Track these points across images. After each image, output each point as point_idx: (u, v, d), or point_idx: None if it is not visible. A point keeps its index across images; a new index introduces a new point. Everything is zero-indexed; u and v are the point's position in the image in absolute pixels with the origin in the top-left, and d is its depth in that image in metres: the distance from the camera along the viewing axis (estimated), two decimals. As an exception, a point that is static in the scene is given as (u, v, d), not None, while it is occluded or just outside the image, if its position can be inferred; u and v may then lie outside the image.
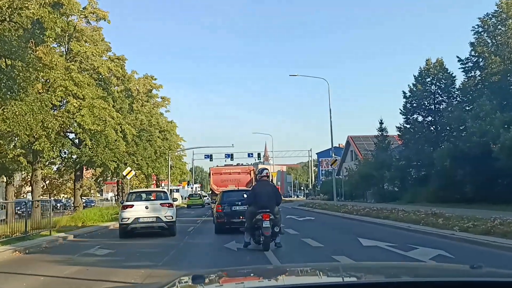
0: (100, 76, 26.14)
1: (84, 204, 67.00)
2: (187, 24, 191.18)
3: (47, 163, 24.52)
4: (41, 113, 17.16)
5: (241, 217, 13.77)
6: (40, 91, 19.09)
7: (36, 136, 18.43)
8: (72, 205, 31.86)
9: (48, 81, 20.07)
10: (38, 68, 15.75)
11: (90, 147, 25.66)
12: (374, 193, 39.47)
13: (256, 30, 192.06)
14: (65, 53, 24.43)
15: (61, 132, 23.96)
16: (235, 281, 2.54)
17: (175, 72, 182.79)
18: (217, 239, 13.98)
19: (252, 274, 2.85)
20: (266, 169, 11.05)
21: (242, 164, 58.76)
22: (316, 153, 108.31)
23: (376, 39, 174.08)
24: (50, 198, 35.70)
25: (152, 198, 16.93)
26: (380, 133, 40.88)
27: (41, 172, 23.93)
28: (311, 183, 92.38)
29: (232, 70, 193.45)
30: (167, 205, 15.60)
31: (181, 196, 60.59)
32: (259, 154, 70.79)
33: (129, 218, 14.94)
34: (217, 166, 35.11)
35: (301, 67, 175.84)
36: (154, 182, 60.34)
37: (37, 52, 16.25)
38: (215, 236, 15.02)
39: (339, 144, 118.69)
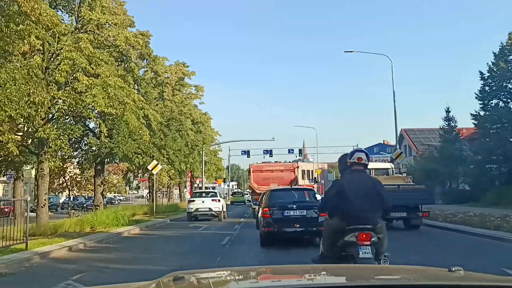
0: (119, 50, 21.90)
1: (117, 202, 64.49)
2: (217, 20, 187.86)
3: (57, 154, 20.47)
4: (27, 84, 12.93)
5: (296, 225, 11.28)
6: (27, 55, 14.71)
7: (23, 114, 14.17)
8: (92, 204, 28.00)
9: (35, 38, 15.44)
10: (18, 20, 11.47)
11: (106, 135, 21.56)
12: (441, 193, 33.58)
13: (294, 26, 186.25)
14: (75, 21, 20.30)
15: (71, 117, 19.95)
16: (217, 283, 2.44)
17: (210, 68, 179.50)
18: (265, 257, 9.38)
19: (236, 276, 2.76)
20: (362, 151, 5.98)
21: (279, 161, 55.84)
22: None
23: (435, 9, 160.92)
24: (69, 195, 32.09)
25: (206, 196, 24.43)
26: (447, 123, 34.94)
27: (48, 165, 19.86)
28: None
29: (272, 65, 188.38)
30: (216, 200, 23.52)
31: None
32: (300, 150, 65.47)
33: (192, 208, 23.07)
34: (257, 163, 31.28)
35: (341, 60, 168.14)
36: (189, 180, 56.72)
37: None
38: (261, 251, 10.44)
39: (383, 141, 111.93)
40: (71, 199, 33.38)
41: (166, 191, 46.41)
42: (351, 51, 27.74)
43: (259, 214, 12.99)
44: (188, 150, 39.06)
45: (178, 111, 32.86)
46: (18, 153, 20.21)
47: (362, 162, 5.75)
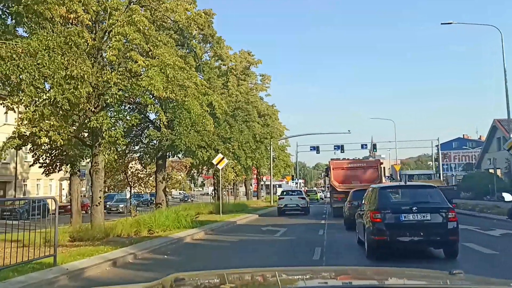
0: (179, 28, 19.27)
1: (184, 199, 62.77)
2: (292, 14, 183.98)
3: (111, 147, 18.19)
4: (64, 54, 10.39)
5: (417, 233, 8.78)
6: (63, 19, 12.08)
7: (68, 98, 11.68)
8: (154, 201, 25.85)
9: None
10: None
11: (167, 125, 19.06)
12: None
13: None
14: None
15: (126, 103, 17.68)
16: (216, 285, 2.49)
17: (275, 62, 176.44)
18: None
19: (235, 277, 2.77)
20: None
21: (346, 158, 53.53)
22: (436, 146, 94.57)
23: None
24: (131, 193, 30.31)
25: (293, 194, 28.38)
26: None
27: (103, 159, 17.61)
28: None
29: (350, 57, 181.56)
30: (301, 198, 27.63)
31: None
32: (374, 146, 60.45)
33: (282, 204, 27.18)
34: (337, 159, 30.86)
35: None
36: (255, 176, 54.24)
37: None
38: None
39: (463, 135, 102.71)
40: (131, 197, 31.65)
41: (231, 189, 44.07)
42: (450, 23, 23.19)
43: (366, 220, 9.62)
44: (255, 145, 36.24)
45: (244, 99, 29.96)
46: (69, 145, 18.25)
47: None
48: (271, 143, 37.85)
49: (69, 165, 22.00)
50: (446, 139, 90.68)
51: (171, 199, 67.77)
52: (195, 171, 38.34)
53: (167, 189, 30.82)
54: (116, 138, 16.31)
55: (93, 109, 16.32)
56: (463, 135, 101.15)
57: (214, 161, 20.86)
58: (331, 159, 30.27)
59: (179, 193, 74.68)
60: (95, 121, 15.54)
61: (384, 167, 34.97)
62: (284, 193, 28.65)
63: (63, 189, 47.46)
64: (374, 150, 60.82)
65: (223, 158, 20.81)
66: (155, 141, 23.67)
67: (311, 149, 63.40)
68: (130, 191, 30.15)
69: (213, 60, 27.08)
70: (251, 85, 39.22)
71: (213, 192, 39.67)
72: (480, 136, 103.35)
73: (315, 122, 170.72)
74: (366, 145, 62.17)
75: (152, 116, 24.44)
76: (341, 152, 60.27)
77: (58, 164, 21.59)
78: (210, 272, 3.41)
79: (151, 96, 17.40)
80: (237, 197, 41.44)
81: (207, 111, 19.26)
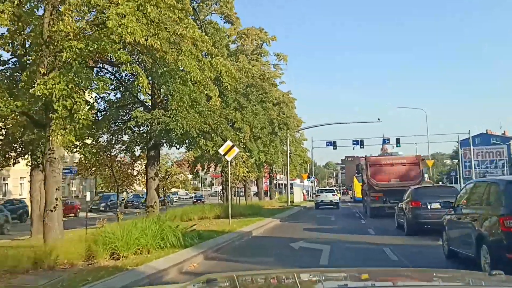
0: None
1: (197, 199, 56.27)
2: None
3: (69, 125, 12.51)
4: None
5: None
6: None
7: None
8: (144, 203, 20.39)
9: None
10: None
11: (159, 103, 13.58)
12: None
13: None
14: None
15: (89, 61, 12.16)
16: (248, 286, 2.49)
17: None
18: None
19: (267, 279, 2.75)
20: None
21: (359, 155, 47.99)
22: (457, 142, 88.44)
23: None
24: (117, 192, 24.80)
25: (327, 192, 35.90)
26: None
27: (58, 141, 11.96)
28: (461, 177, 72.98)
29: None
30: (334, 195, 34.47)
31: (305, 193, 48.68)
32: (397, 140, 54.33)
33: (318, 200, 33.95)
34: (371, 155, 28.75)
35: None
36: (267, 174, 48.88)
37: None
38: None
39: (486, 131, 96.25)
40: (118, 198, 26.23)
41: (242, 188, 38.89)
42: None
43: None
44: (269, 137, 30.77)
45: (259, 75, 24.34)
46: (18, 126, 12.95)
47: None
48: (288, 134, 31.98)
49: (29, 156, 16.70)
50: (467, 136, 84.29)
51: (179, 200, 62.27)
52: (200, 167, 32.88)
53: (166, 189, 25.50)
54: (74, 111, 10.83)
55: (44, 72, 11.00)
56: (486, 130, 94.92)
57: (221, 150, 15.35)
58: (365, 156, 27.92)
59: (186, 192, 68.97)
60: (42, 87, 10.25)
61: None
62: (320, 191, 37.26)
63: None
64: (398, 145, 54.83)
65: (232, 146, 15.26)
66: (146, 127, 18.35)
67: (327, 145, 57.56)
68: (117, 191, 24.73)
69: (216, 24, 21.49)
70: (263, 68, 33.57)
71: (221, 192, 34.19)
72: (505, 131, 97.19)
73: (334, 115, 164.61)
74: (388, 139, 56.13)
75: (142, 97, 19.12)
76: (360, 147, 54.46)
77: (11, 154, 16.25)
78: (243, 273, 3.44)
79: (126, 51, 11.89)
80: (248, 197, 35.78)
81: (210, 78, 13.68)
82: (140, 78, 11.74)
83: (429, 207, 13.16)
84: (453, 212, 8.65)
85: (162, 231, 9.57)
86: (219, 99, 15.42)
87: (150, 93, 16.39)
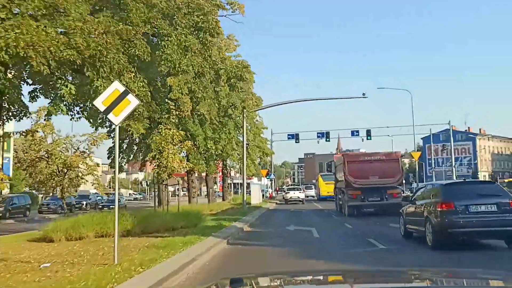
0: None
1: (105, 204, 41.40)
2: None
3: None
4: None
5: None
6: None
7: None
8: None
9: None
10: None
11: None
12: None
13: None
14: None
15: None
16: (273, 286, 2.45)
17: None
18: None
19: (292, 279, 2.72)
20: None
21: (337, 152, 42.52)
22: (421, 138, 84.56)
23: None
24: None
25: (295, 189, 42.34)
26: None
27: None
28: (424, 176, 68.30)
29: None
30: (301, 192, 40.57)
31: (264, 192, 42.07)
32: (368, 132, 48.24)
33: (288, 197, 39.43)
34: (346, 151, 26.33)
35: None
36: (220, 173, 41.65)
37: None
38: None
39: (452, 127, 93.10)
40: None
41: (185, 187, 31.16)
42: None
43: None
44: (220, 118, 23.43)
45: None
46: None
47: None
48: (244, 114, 24.02)
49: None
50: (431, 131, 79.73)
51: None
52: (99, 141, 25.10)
53: (63, 187, 17.71)
54: None
55: None
56: (452, 126, 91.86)
57: (100, 101, 7.46)
58: (342, 152, 26.42)
59: (130, 193, 59.88)
60: None
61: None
62: (289, 189, 42.80)
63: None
64: (369, 138, 48.72)
65: (125, 93, 7.45)
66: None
67: (289, 138, 51.15)
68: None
69: None
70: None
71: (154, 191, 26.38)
72: (469, 127, 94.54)
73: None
74: (357, 131, 49.99)
75: None
76: (326, 140, 48.94)
77: None
78: (267, 274, 3.47)
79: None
80: (193, 198, 27.86)
81: None
82: None
83: (467, 211, 9.81)
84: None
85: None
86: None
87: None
